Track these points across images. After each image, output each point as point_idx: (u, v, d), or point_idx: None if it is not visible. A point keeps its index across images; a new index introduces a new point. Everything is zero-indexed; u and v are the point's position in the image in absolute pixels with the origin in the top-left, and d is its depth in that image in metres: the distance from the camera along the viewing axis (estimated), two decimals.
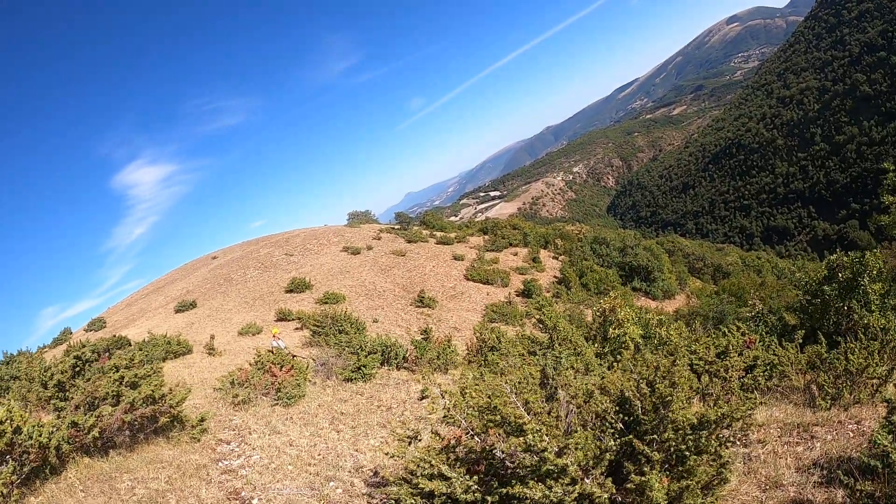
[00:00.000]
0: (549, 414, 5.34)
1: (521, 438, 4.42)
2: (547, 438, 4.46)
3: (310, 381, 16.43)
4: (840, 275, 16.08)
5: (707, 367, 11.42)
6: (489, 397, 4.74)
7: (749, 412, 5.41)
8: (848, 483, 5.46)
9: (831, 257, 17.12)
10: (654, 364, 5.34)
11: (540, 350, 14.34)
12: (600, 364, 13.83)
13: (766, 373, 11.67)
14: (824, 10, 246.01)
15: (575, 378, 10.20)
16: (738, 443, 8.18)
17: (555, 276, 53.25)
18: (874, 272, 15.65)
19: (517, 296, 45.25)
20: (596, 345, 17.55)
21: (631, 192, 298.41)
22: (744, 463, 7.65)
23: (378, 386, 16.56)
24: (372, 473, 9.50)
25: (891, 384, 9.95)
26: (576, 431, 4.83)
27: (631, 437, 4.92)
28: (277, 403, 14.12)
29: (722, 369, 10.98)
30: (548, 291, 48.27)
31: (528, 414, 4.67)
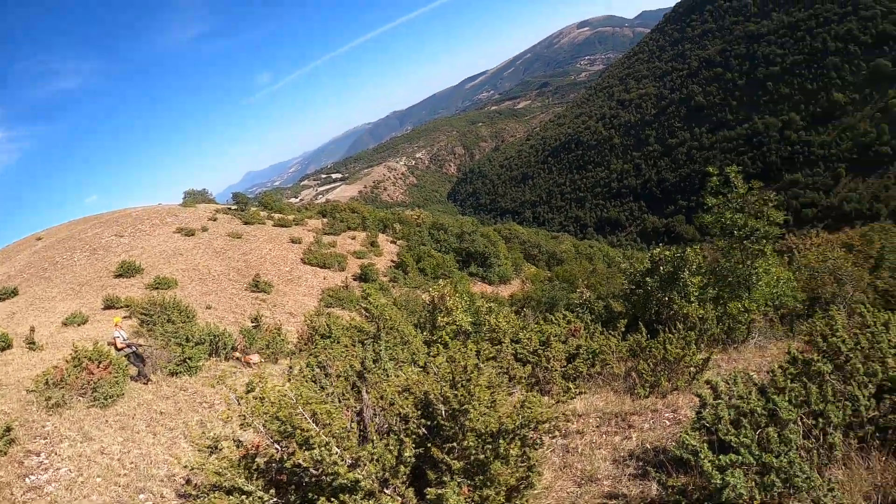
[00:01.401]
0: (350, 422, 5.22)
1: (309, 453, 4.25)
2: (338, 451, 4.31)
3: (132, 377, 15.46)
4: (662, 268, 17.05)
5: (530, 356, 11.74)
6: (279, 407, 4.52)
7: (555, 417, 5.44)
8: (659, 478, 5.51)
9: (654, 251, 18.03)
10: (451, 370, 5.27)
11: (366, 340, 14.22)
12: (427, 354, 13.86)
13: (588, 361, 11.77)
14: (670, 26, 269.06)
15: (395, 370, 10.20)
16: (558, 434, 8.30)
17: (392, 261, 53.33)
18: (693, 266, 16.72)
19: (354, 280, 45.00)
20: (425, 333, 17.65)
21: (472, 180, 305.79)
22: (561, 456, 7.64)
23: (204, 380, 15.86)
24: (185, 482, 8.84)
25: (707, 371, 10.26)
26: (372, 440, 4.69)
27: (429, 445, 4.86)
28: (94, 404, 13.01)
29: (544, 359, 11.26)
30: (385, 276, 48.37)
31: (317, 425, 4.49)
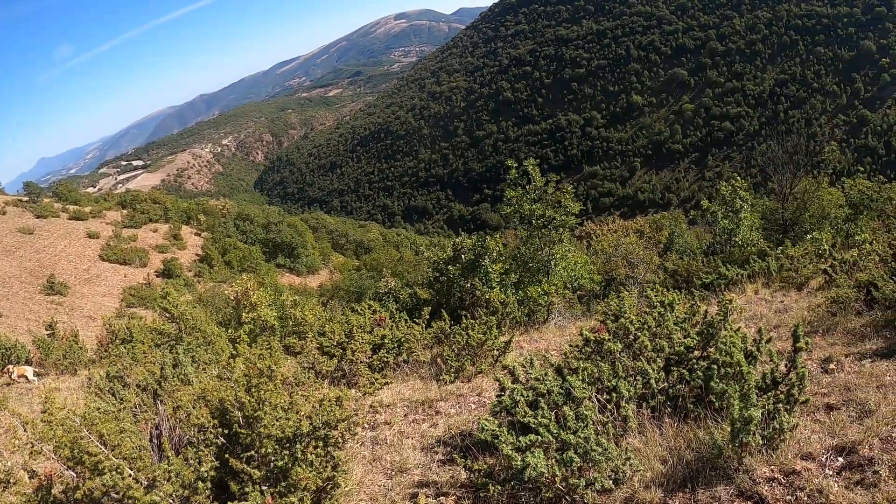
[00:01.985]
0: (149, 438, 5.12)
1: (100, 479, 4.12)
2: (131, 472, 4.22)
3: None
4: (464, 256, 17.72)
5: (335, 349, 11.83)
6: (61, 431, 4.32)
7: (351, 417, 5.54)
8: (465, 463, 5.62)
9: (456, 240, 18.69)
10: (247, 373, 5.27)
11: (166, 342, 13.74)
12: (230, 354, 13.58)
13: (394, 350, 11.78)
14: (485, 24, 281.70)
15: (196, 374, 9.96)
16: (366, 426, 8.36)
17: (197, 254, 51.56)
18: (494, 254, 17.54)
19: (157, 276, 43.15)
20: (230, 330, 17.29)
21: (279, 169, 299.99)
22: (371, 448, 7.59)
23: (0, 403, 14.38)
24: None
25: (510, 353, 10.65)
26: (168, 457, 4.60)
27: (227, 455, 4.84)
28: None
29: (349, 351, 11.36)
30: (189, 270, 46.69)
31: (106, 447, 4.36)
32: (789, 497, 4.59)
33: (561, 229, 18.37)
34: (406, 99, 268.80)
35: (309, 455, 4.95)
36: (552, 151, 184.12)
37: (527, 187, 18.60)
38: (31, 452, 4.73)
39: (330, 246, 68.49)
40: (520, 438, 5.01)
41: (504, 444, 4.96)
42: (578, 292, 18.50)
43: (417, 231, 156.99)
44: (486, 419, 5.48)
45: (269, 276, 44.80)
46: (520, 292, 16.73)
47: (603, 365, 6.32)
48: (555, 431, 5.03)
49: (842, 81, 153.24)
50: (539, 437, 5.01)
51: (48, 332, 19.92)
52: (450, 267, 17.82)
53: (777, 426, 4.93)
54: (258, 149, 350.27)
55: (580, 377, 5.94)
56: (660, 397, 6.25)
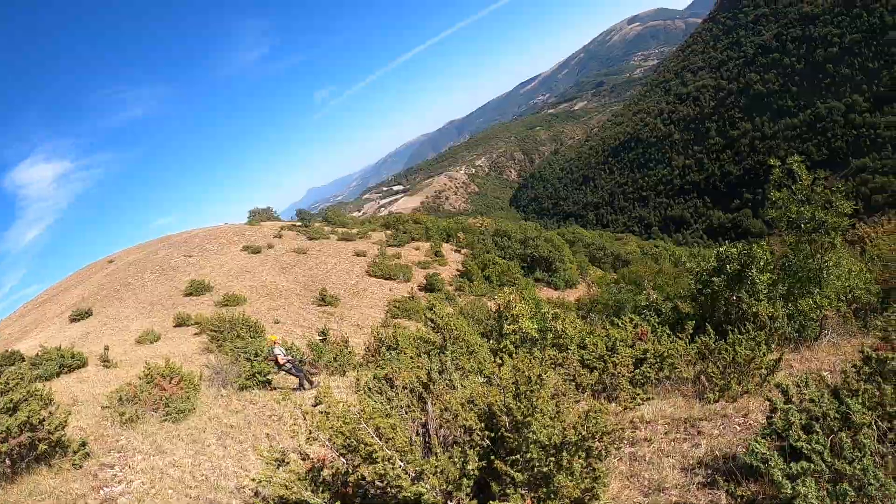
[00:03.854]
0: (414, 435, 5.28)
1: (372, 467, 4.31)
2: (401, 464, 4.37)
3: (205, 388, 15.97)
4: (728, 266, 16.61)
5: (596, 362, 11.62)
6: (343, 421, 4.61)
7: (619, 427, 5.38)
8: (727, 488, 5.34)
9: (720, 249, 17.51)
10: (515, 381, 5.26)
11: (432, 350, 14.29)
12: (493, 363, 13.77)
13: (655, 365, 11.55)
14: (722, 14, 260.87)
15: (461, 380, 10.21)
16: (625, 442, 8.12)
17: (457, 270, 53.53)
18: (761, 263, 16.10)
19: (420, 290, 45.33)
20: (492, 341, 17.63)
21: (533, 185, 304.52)
22: (628, 464, 7.43)
23: (273, 393, 16.24)
24: (253, 493, 9.04)
25: (779, 373, 9.92)
26: (436, 453, 4.72)
27: (492, 457, 4.87)
28: (167, 419, 13.44)
29: (611, 365, 11.12)
30: (450, 285, 48.51)
31: (380, 439, 4.55)
32: None
33: (833, 233, 16.47)
34: (652, 104, 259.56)
35: (574, 464, 4.85)
36: (813, 146, 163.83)
37: (793, 187, 16.98)
38: (308, 439, 5.06)
39: (587, 259, 68.13)
40: (790, 464, 4.52)
41: (774, 469, 4.51)
42: (854, 305, 16.56)
43: (676, 242, 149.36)
44: (756, 441, 5.05)
45: (528, 290, 45.42)
46: (789, 305, 15.29)
47: (886, 387, 5.55)
48: (829, 460, 4.52)
49: None
50: (812, 464, 4.52)
51: (321, 338, 21.76)
52: (713, 278, 16.79)
53: None
54: (510, 167, 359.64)
55: (860, 400, 5.25)
56: None
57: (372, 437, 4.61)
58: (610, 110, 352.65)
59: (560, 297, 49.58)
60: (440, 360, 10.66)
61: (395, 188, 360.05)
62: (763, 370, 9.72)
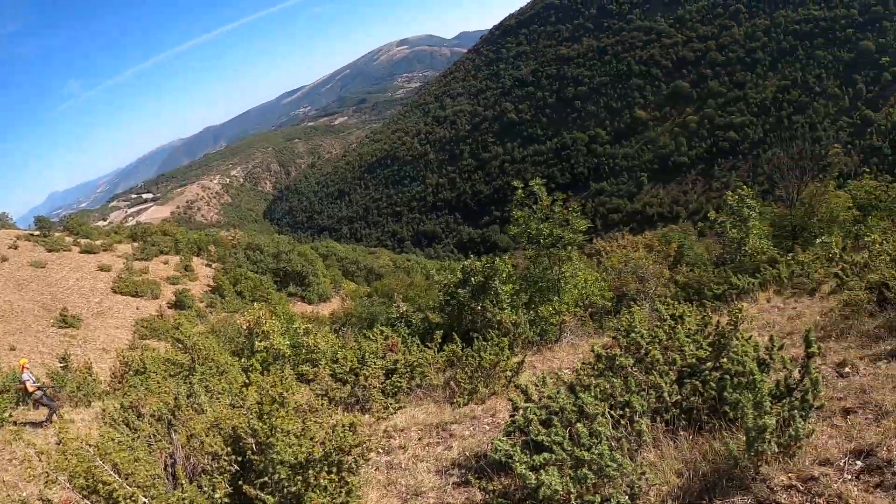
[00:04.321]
0: (162, 467, 5.15)
1: None
2: (145, 500, 4.24)
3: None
4: (473, 279, 17.63)
5: (348, 375, 11.80)
6: (78, 460, 4.37)
7: (364, 442, 5.54)
8: (480, 484, 5.64)
9: (465, 262, 18.61)
10: (259, 400, 5.30)
11: (180, 373, 13.78)
12: (244, 383, 13.52)
13: (407, 374, 11.77)
14: (486, 47, 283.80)
15: (210, 403, 9.95)
16: (381, 451, 8.34)
17: (209, 285, 51.62)
18: (504, 275, 17.42)
19: (170, 308, 43.28)
20: (243, 359, 17.30)
21: (288, 198, 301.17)
22: (385, 473, 7.54)
23: (15, 434, 14.46)
24: None
25: (523, 374, 10.60)
26: (182, 484, 4.62)
27: (241, 482, 4.86)
28: None
29: (362, 377, 11.32)
30: (201, 301, 46.74)
31: (120, 476, 4.38)
32: None
33: (569, 247, 18.26)
34: (411, 124, 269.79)
35: (322, 480, 4.96)
36: (558, 170, 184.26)
37: (533, 207, 18.53)
38: (47, 482, 4.77)
39: (341, 273, 68.70)
40: (534, 457, 4.98)
41: (518, 464, 4.93)
42: (590, 310, 18.44)
43: (427, 255, 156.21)
44: (500, 439, 5.47)
45: (281, 305, 44.88)
46: (531, 312, 16.67)
47: (615, 380, 6.25)
48: (569, 449, 4.99)
49: (843, 83, 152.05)
50: (553, 455, 4.97)
51: (62, 365, 20.04)
52: (459, 290, 17.76)
53: (793, 433, 4.88)
54: (266, 179, 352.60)
55: (592, 393, 5.90)
56: (674, 410, 6.18)
57: (110, 474, 4.42)
58: (370, 127, 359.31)
59: (314, 311, 49.64)
60: (188, 383, 10.36)
61: (145, 196, 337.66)
62: (508, 372, 10.43)
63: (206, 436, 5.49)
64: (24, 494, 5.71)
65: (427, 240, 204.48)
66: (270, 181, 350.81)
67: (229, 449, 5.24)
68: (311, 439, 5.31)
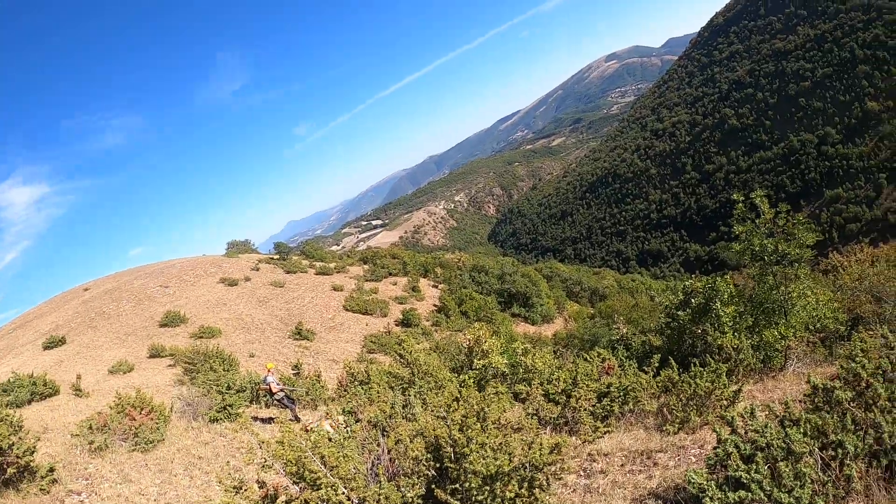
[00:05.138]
0: (368, 465, 5.51)
1: (316, 493, 4.51)
2: (344, 491, 4.58)
3: (175, 419, 15.99)
4: (693, 300, 16.92)
5: (559, 396, 11.78)
6: (293, 451, 4.82)
7: (558, 461, 5.53)
8: None
9: (686, 283, 17.89)
10: (463, 413, 5.47)
11: (399, 385, 14.49)
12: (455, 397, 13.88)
13: (619, 398, 11.63)
14: (697, 51, 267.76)
15: (424, 414, 10.39)
16: (581, 473, 8.25)
17: (434, 305, 53.47)
18: (725, 296, 16.42)
19: (396, 325, 45.28)
20: (462, 376, 17.80)
21: (511, 220, 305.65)
22: (581, 495, 7.52)
23: (244, 426, 16.18)
24: None
25: (740, 404, 9.99)
26: (380, 482, 4.91)
27: (433, 486, 5.05)
28: (135, 449, 13.43)
29: (574, 399, 11.25)
30: (427, 320, 48.45)
31: (325, 467, 4.75)
32: None
33: (797, 264, 16.86)
34: (629, 140, 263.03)
35: (509, 493, 5.02)
36: (788, 178, 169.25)
37: (756, 221, 17.39)
38: (263, 467, 5.31)
39: (564, 294, 68.33)
40: (728, 494, 4.72)
41: (710, 500, 4.69)
42: (822, 334, 16.89)
43: (653, 275, 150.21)
44: (695, 472, 5.24)
45: (505, 326, 45.61)
46: (755, 337, 15.59)
47: (826, 417, 5.71)
48: (768, 489, 4.67)
49: None
50: (750, 493, 4.68)
51: (294, 372, 21.83)
52: (679, 312, 17.12)
53: None
54: (489, 202, 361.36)
55: (801, 430, 5.44)
56: (894, 455, 5.48)
57: (317, 465, 4.83)
58: (587, 146, 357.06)
59: (537, 331, 49.78)
60: (406, 395, 10.90)
61: (374, 223, 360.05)
62: (724, 402, 9.89)
63: (411, 441, 5.80)
64: (243, 475, 6.37)
65: (652, 259, 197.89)
66: (493, 204, 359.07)
67: (429, 455, 5.48)
68: (509, 454, 5.41)
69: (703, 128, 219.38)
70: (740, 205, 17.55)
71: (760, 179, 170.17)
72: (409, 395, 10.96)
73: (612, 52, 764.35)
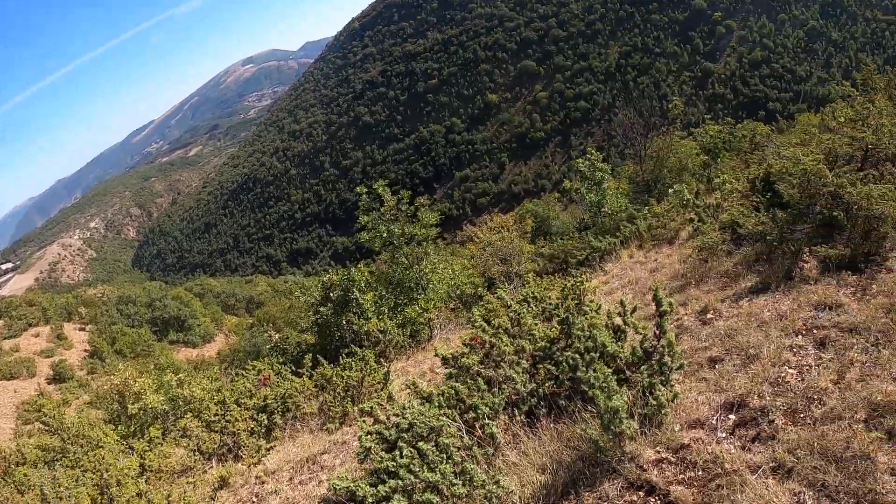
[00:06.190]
0: None
1: None
2: None
3: None
4: (332, 294, 17.07)
5: (216, 423, 11.00)
6: None
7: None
8: None
9: (324, 278, 18.10)
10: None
11: (52, 458, 12.61)
12: (122, 452, 12.53)
13: (279, 408, 10.97)
14: (333, 53, 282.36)
15: (75, 488, 9.02)
16: (253, 501, 7.77)
17: (85, 350, 48.65)
18: (362, 284, 16.92)
19: (49, 383, 40.34)
20: (120, 426, 16.15)
21: (154, 241, 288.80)
22: None
23: None
24: None
25: (393, 383, 10.22)
26: None
27: None
28: None
29: (227, 423, 10.58)
30: (81, 369, 43.93)
31: None
32: (682, 476, 4.27)
33: (424, 243, 18.14)
34: (267, 143, 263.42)
35: None
36: (420, 165, 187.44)
37: (381, 210, 18.31)
38: None
39: (220, 309, 67.05)
40: (378, 487, 4.50)
41: (366, 498, 4.48)
42: (464, 299, 18.27)
43: (306, 273, 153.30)
44: (339, 476, 5.02)
45: (165, 356, 42.99)
46: (399, 316, 16.31)
47: (455, 384, 5.87)
48: (417, 470, 4.54)
49: (681, 42, 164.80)
50: (399, 480, 4.52)
51: None
52: (321, 308, 17.23)
53: (654, 402, 4.58)
54: (128, 225, 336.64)
55: (436, 403, 5.52)
56: (531, 400, 5.75)
57: None
58: (226, 153, 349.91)
59: (199, 354, 47.98)
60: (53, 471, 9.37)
61: (4, 267, 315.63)
62: (378, 385, 10.01)
63: None
64: None
65: (303, 257, 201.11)
66: (133, 227, 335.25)
67: None
68: None
69: (338, 126, 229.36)
70: (364, 196, 18.48)
71: (396, 169, 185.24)
72: (56, 473, 9.36)
73: (249, 56, 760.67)
